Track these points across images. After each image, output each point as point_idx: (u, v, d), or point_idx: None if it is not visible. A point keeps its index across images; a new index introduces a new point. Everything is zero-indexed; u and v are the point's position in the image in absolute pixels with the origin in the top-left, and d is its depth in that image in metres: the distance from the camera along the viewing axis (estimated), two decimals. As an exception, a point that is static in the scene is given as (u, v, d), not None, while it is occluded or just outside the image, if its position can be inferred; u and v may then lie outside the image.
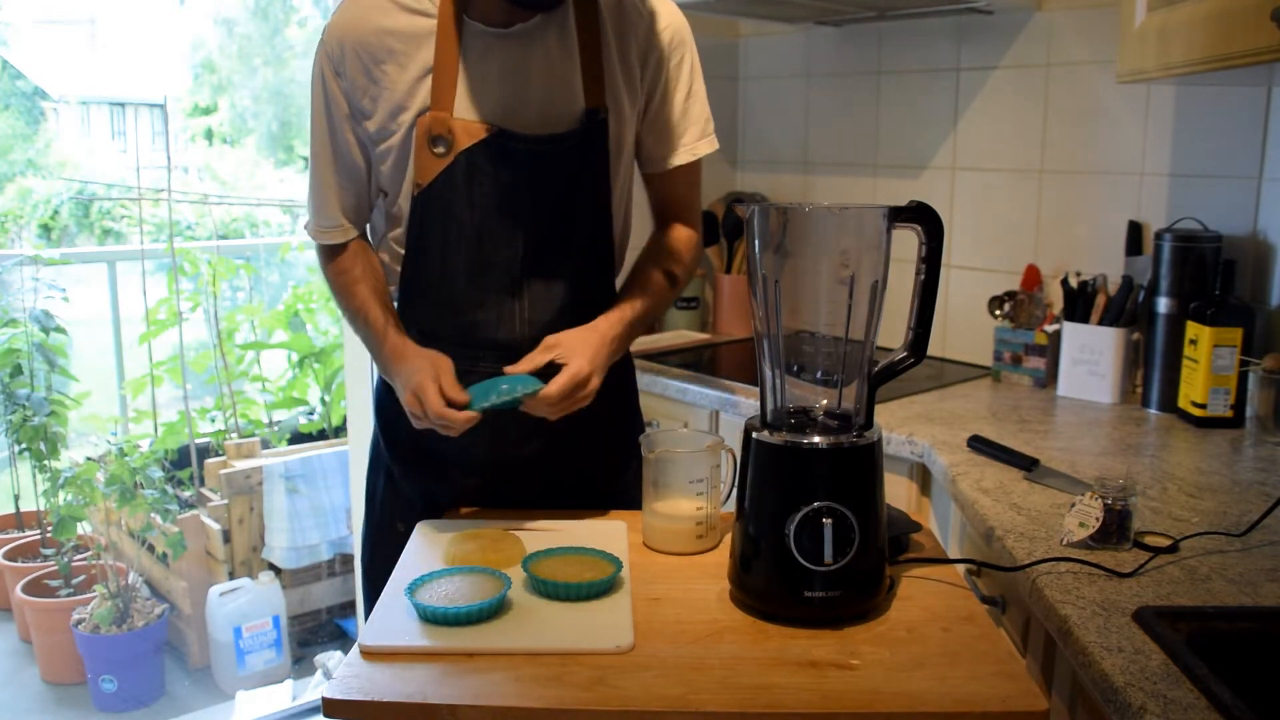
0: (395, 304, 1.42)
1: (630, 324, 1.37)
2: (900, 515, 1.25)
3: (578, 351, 1.28)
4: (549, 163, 1.33)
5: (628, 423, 1.54)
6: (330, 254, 1.41)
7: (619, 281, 1.46)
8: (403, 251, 1.38)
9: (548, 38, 1.32)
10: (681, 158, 1.43)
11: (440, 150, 1.30)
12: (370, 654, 0.99)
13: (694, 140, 1.43)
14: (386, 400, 1.45)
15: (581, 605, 1.08)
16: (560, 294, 1.37)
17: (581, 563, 1.14)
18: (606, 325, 1.34)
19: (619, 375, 1.47)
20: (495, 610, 1.05)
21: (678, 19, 1.40)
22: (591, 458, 1.46)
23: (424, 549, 1.24)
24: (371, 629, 1.03)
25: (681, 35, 1.40)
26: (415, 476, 1.47)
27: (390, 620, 1.05)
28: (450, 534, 1.24)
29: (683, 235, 1.48)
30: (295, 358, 3.85)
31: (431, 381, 1.25)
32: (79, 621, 2.99)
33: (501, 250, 1.34)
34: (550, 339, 1.30)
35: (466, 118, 1.30)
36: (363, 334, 1.39)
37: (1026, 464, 1.51)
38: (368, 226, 1.46)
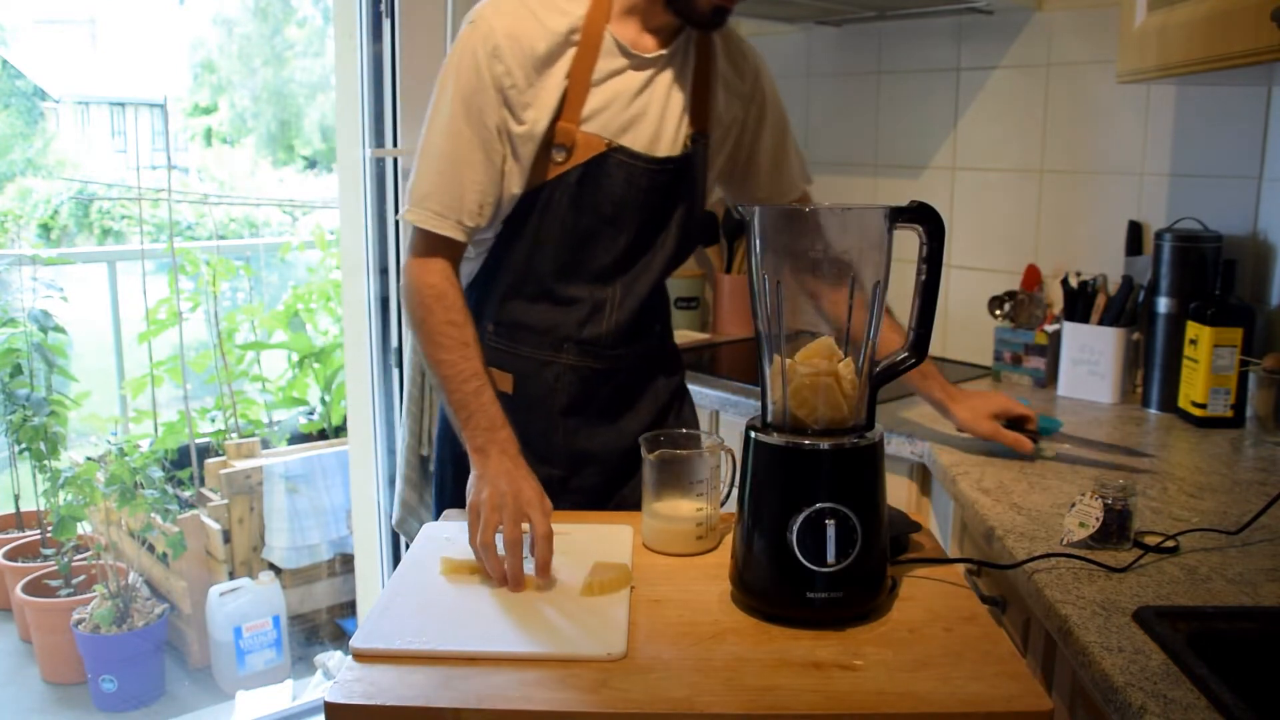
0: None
1: None
2: (899, 515, 1.25)
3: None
4: (655, 181, 1.39)
5: (688, 420, 1.64)
6: (436, 294, 1.32)
7: None
8: (489, 242, 1.42)
9: (673, 65, 1.39)
10: (800, 186, 1.56)
11: (560, 158, 1.34)
12: (362, 656, 0.99)
13: (803, 169, 1.58)
14: None
15: (580, 609, 1.08)
16: (640, 296, 1.45)
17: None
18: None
19: (680, 376, 1.60)
20: None
21: (767, 69, 1.53)
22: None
23: (425, 549, 1.24)
24: (365, 631, 1.03)
25: (775, 88, 1.54)
26: None
27: (386, 623, 1.05)
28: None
29: None
30: (295, 358, 3.85)
31: (543, 503, 1.19)
32: (79, 621, 2.99)
33: (599, 256, 1.41)
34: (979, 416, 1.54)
35: (589, 131, 1.34)
36: (464, 397, 1.28)
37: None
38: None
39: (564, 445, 1.47)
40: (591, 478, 1.50)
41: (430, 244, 1.34)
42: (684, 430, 1.32)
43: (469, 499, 1.20)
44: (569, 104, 1.33)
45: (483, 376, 1.28)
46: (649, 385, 1.54)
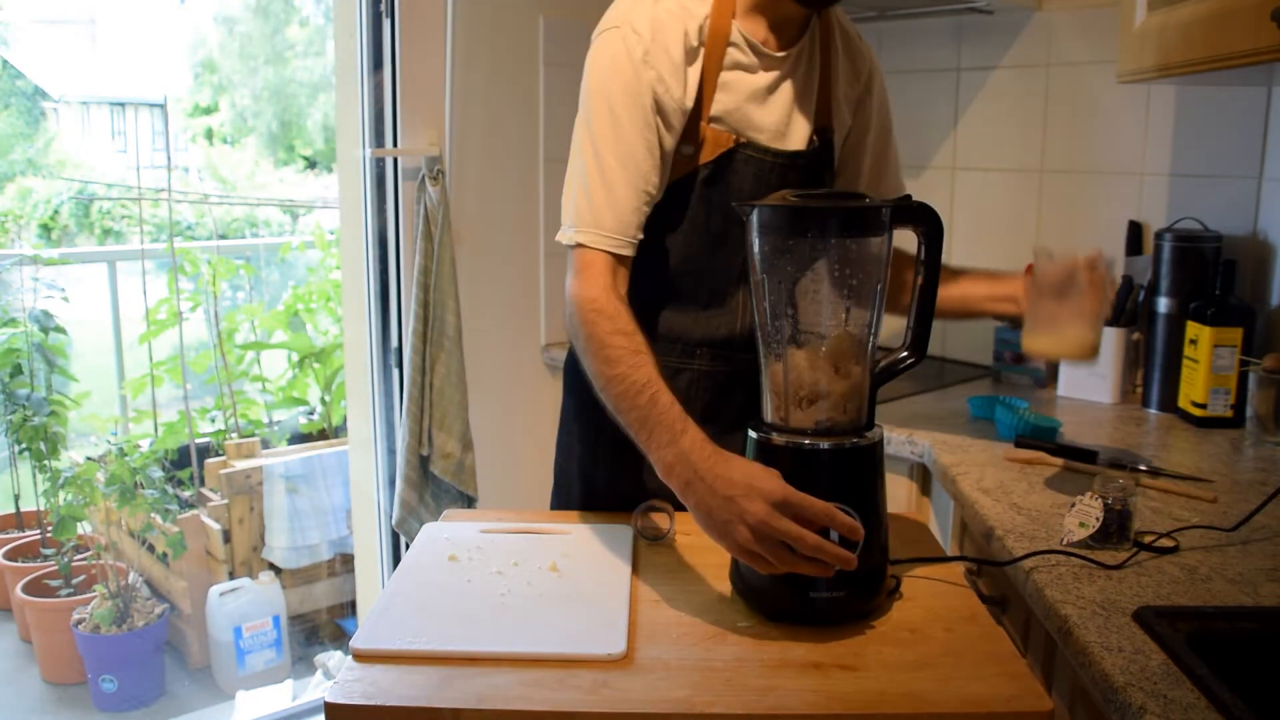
0: None
1: None
2: None
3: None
4: (786, 177, 1.37)
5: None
6: (596, 308, 1.20)
7: None
8: None
9: (799, 63, 1.38)
10: (898, 192, 1.52)
11: (689, 153, 1.32)
12: (362, 656, 0.99)
13: (898, 176, 1.56)
14: (586, 395, 1.33)
15: (580, 608, 1.08)
16: None
17: None
18: None
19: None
20: None
21: (879, 67, 1.53)
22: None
23: (425, 549, 1.24)
24: (365, 631, 1.03)
25: (884, 86, 1.53)
26: (616, 468, 1.41)
27: (386, 623, 1.05)
28: None
29: None
30: (295, 358, 3.85)
31: (775, 487, 1.00)
32: (79, 621, 2.99)
33: (734, 256, 1.38)
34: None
35: (718, 128, 1.33)
36: (641, 412, 1.11)
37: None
38: None
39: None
40: None
41: (595, 266, 1.23)
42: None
43: (713, 536, 1.04)
44: (701, 99, 1.31)
45: (657, 382, 1.13)
46: None
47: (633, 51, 1.25)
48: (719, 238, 1.37)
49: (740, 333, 1.41)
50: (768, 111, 1.36)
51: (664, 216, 1.34)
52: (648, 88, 1.26)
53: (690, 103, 1.30)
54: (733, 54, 1.32)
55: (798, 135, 1.38)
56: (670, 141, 1.29)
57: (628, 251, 1.25)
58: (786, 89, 1.36)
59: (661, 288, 1.39)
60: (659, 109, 1.27)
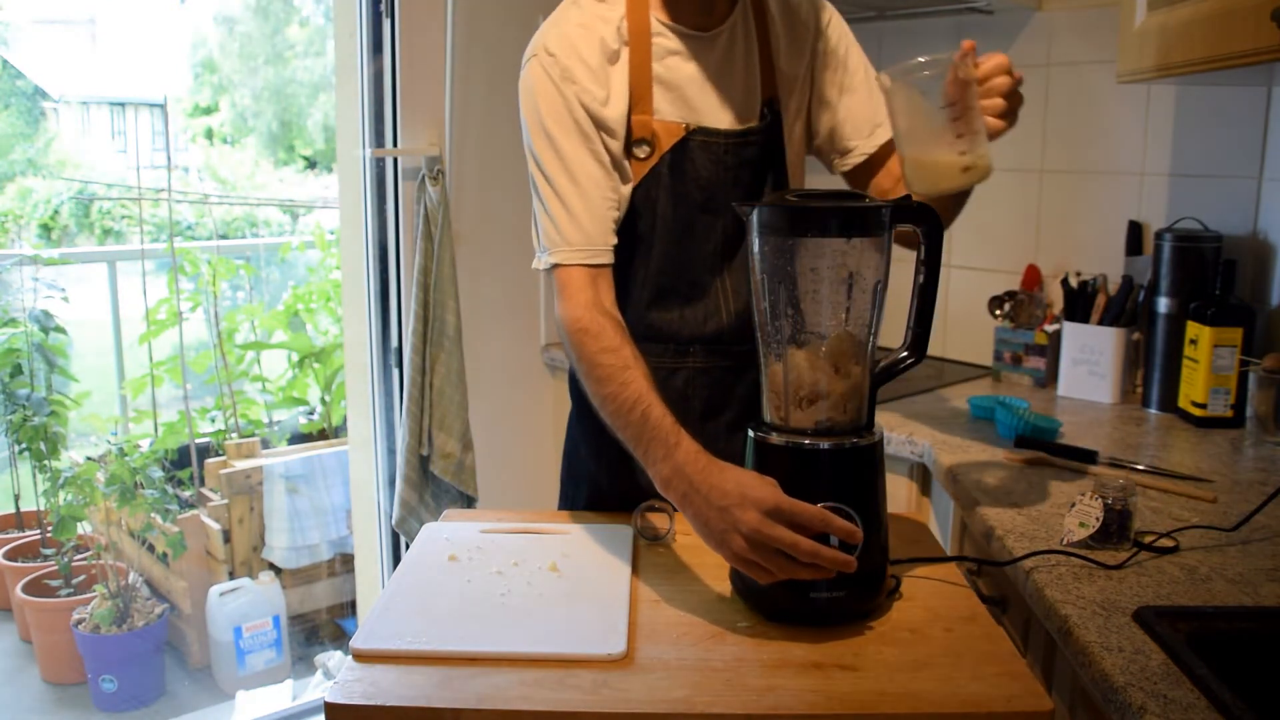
0: None
1: None
2: None
3: None
4: (742, 156, 1.37)
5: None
6: (580, 328, 1.22)
7: None
8: None
9: (735, 37, 1.36)
10: (881, 135, 1.41)
11: (643, 153, 1.33)
12: (362, 656, 0.99)
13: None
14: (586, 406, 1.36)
15: (580, 608, 1.08)
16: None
17: None
18: None
19: None
20: None
21: (832, 8, 1.45)
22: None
23: (425, 549, 1.24)
24: (365, 631, 1.03)
25: (843, 26, 1.45)
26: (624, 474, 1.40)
27: (386, 623, 1.05)
28: None
29: None
30: (295, 358, 3.85)
31: (769, 496, 1.01)
32: (79, 621, 2.99)
33: (704, 245, 1.38)
34: None
35: (666, 119, 1.33)
36: (635, 429, 1.13)
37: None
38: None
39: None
40: None
41: (575, 283, 1.25)
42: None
43: (712, 546, 1.05)
44: (639, 99, 1.32)
45: (648, 396, 1.13)
46: None
47: (551, 74, 1.28)
48: (686, 228, 1.37)
49: (729, 325, 1.40)
50: (711, 93, 1.35)
51: (636, 220, 1.36)
52: (575, 104, 1.28)
53: (623, 105, 1.31)
54: (660, 44, 1.32)
55: (747, 111, 1.37)
56: (616, 145, 1.30)
57: (604, 259, 1.27)
58: (725, 67, 1.36)
59: (645, 290, 1.39)
60: (593, 120, 1.28)
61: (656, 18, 1.33)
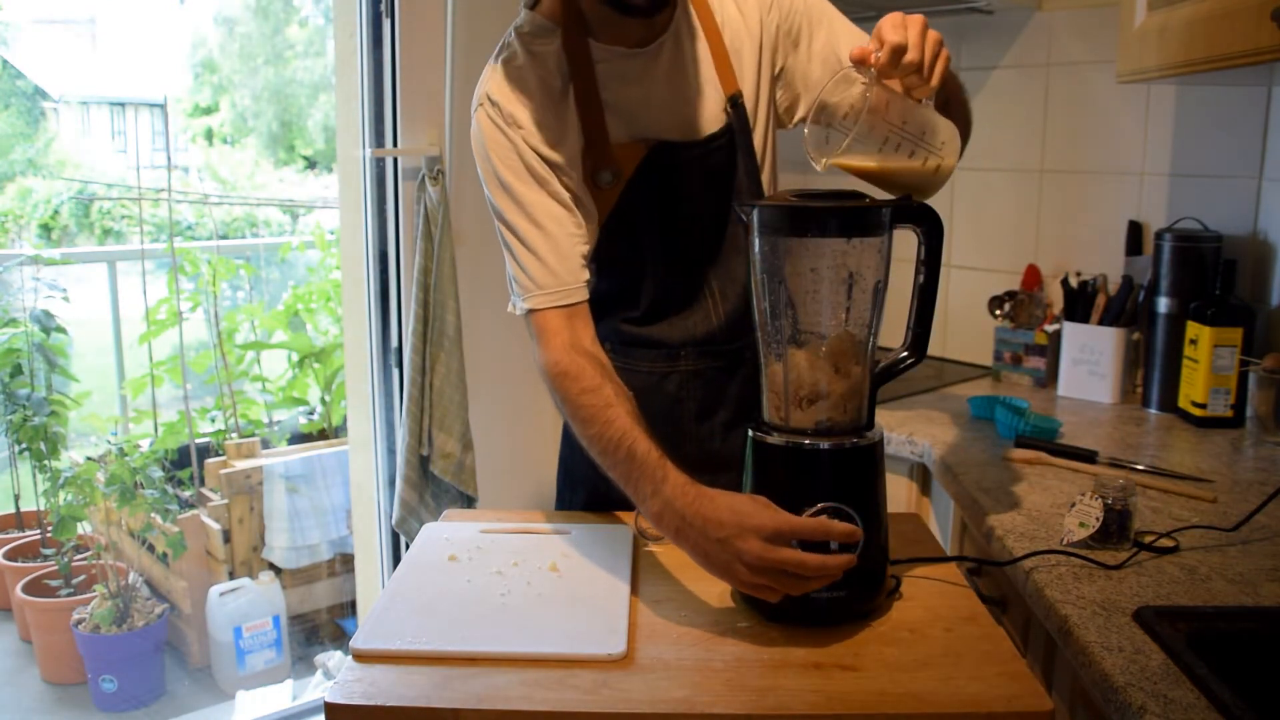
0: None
1: None
2: None
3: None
4: (710, 163, 1.35)
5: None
6: (559, 371, 1.23)
7: None
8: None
9: (681, 41, 1.33)
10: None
11: (607, 179, 1.31)
12: (362, 656, 0.99)
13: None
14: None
15: (580, 608, 1.08)
16: (740, 281, 1.39)
17: None
18: None
19: None
20: None
21: None
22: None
23: (425, 549, 1.24)
24: (365, 631, 1.03)
25: None
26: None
27: (386, 623, 1.05)
28: None
29: None
30: (295, 358, 3.85)
31: (767, 518, 1.01)
32: (79, 621, 2.99)
33: (685, 254, 1.37)
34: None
35: (624, 142, 1.31)
36: (622, 468, 1.12)
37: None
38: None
39: (697, 454, 1.40)
40: (733, 482, 1.44)
41: (550, 326, 1.25)
42: None
43: (717, 576, 1.05)
44: (592, 128, 1.30)
45: (632, 433, 1.12)
46: None
47: (496, 121, 1.27)
48: (666, 245, 1.36)
49: (719, 326, 1.39)
50: (666, 107, 1.33)
51: (616, 246, 1.34)
52: (524, 147, 1.26)
53: (577, 137, 1.29)
54: (604, 69, 1.30)
55: (709, 115, 1.34)
56: (575, 180, 1.29)
57: (577, 297, 1.26)
58: (675, 76, 1.33)
59: (633, 309, 1.39)
60: (544, 160, 1.27)
61: (594, 43, 1.29)
